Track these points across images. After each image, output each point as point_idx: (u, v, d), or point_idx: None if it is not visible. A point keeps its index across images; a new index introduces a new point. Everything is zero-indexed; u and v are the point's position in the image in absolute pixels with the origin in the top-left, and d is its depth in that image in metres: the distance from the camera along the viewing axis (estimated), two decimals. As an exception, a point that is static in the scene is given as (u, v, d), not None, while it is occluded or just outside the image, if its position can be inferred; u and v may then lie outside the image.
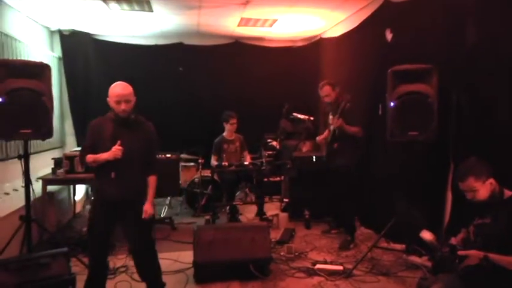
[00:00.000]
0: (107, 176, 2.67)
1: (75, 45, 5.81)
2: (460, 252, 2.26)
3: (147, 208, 2.75)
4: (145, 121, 2.86)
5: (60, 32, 5.75)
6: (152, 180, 2.83)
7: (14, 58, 4.33)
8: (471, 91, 3.08)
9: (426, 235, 2.68)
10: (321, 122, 6.19)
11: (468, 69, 3.09)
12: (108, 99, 2.69)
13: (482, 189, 2.28)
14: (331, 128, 4.01)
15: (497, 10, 2.83)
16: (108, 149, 2.61)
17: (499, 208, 2.25)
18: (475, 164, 2.33)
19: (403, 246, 3.63)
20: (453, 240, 2.47)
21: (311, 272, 3.43)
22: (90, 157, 2.67)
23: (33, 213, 3.55)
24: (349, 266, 3.49)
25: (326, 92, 4.03)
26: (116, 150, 2.59)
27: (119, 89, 2.68)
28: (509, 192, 2.27)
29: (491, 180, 2.26)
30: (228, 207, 4.78)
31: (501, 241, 2.16)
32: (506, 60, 2.76)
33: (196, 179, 5.14)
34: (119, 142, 2.60)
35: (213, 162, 4.92)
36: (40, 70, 3.18)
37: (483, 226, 2.32)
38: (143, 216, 2.72)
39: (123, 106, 2.65)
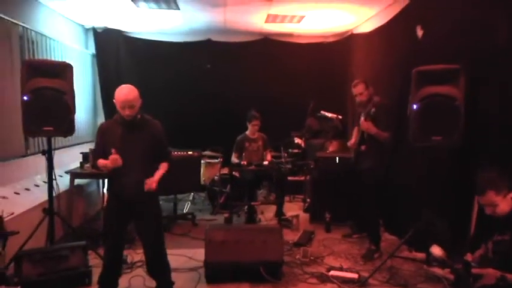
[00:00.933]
0: (118, 176, 2.74)
1: (108, 42, 6.00)
2: (475, 271, 2.11)
3: (150, 180, 2.74)
4: (152, 120, 2.91)
5: (94, 29, 5.96)
6: (163, 165, 2.90)
7: (48, 57, 4.55)
8: (501, 93, 2.84)
9: (436, 250, 2.52)
10: (350, 121, 6.04)
11: (499, 69, 2.85)
12: (114, 101, 2.74)
13: (503, 203, 2.11)
14: (361, 130, 3.86)
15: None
16: (119, 151, 2.66)
17: None
18: (496, 176, 2.16)
19: (425, 255, 3.44)
20: (469, 257, 2.31)
21: (324, 279, 3.34)
22: (100, 162, 2.74)
23: (59, 206, 3.73)
24: (366, 274, 3.36)
25: (359, 90, 3.84)
26: (114, 160, 2.63)
27: (123, 94, 2.71)
28: None
29: None
30: (246, 207, 4.76)
31: None
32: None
33: (216, 177, 5.17)
34: (113, 150, 2.64)
35: (234, 159, 4.92)
36: (62, 69, 3.31)
37: (502, 243, 2.16)
38: (145, 187, 2.73)
39: (127, 111, 2.70)
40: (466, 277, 2.16)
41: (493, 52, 2.92)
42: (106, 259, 2.95)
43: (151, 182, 2.76)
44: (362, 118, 3.82)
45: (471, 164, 3.14)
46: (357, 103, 3.96)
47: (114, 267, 2.97)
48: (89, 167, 4.45)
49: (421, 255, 3.54)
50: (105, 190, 5.46)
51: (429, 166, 3.38)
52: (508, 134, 2.76)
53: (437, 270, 3.30)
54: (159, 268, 2.93)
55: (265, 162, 4.69)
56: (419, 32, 3.98)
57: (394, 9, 4.52)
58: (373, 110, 3.65)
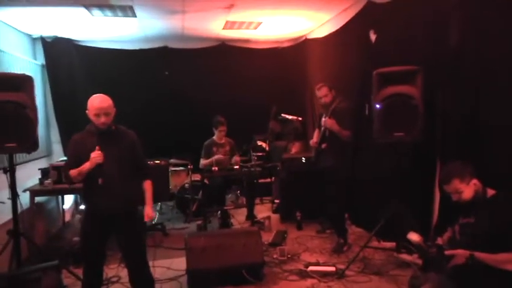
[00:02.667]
0: (96, 189, 2.63)
1: (58, 52, 5.72)
2: (447, 252, 2.30)
3: (148, 211, 2.80)
4: (126, 130, 2.84)
5: (42, 39, 5.65)
6: (148, 185, 2.87)
7: (-4, 68, 4.27)
8: (456, 91, 3.13)
9: (413, 237, 2.72)
10: (310, 122, 6.27)
11: (453, 69, 3.13)
12: (87, 111, 2.65)
13: (467, 190, 2.33)
14: (322, 129, 4.05)
15: (483, 6, 2.83)
16: (98, 168, 2.58)
17: (483, 207, 2.31)
18: (459, 166, 2.38)
19: (394, 244, 3.68)
20: (439, 240, 2.52)
21: (304, 274, 3.46)
22: (73, 171, 2.62)
23: (21, 225, 3.50)
24: (342, 267, 3.53)
25: (324, 92, 4.02)
26: (96, 156, 2.55)
27: (97, 102, 2.63)
28: (492, 192, 2.33)
29: (474, 180, 2.32)
30: (219, 212, 4.77)
31: (485, 239, 2.21)
32: (491, 59, 2.78)
33: (186, 185, 5.13)
34: (97, 147, 2.56)
35: (202, 162, 4.90)
36: (22, 82, 3.13)
37: (467, 225, 2.37)
38: (145, 219, 2.78)
39: (102, 119, 2.61)
40: (439, 260, 2.35)
41: (445, 54, 3.21)
42: (86, 276, 2.83)
43: (148, 212, 2.78)
44: (324, 118, 4.02)
45: (431, 156, 3.43)
46: (321, 105, 4.15)
47: (95, 282, 2.86)
48: (50, 183, 4.22)
49: (390, 244, 3.78)
50: (65, 207, 5.23)
51: (393, 161, 3.63)
52: (464, 127, 3.04)
53: (407, 257, 3.57)
54: (143, 281, 2.86)
55: (236, 167, 4.74)
56: (373, 36, 4.25)
57: (348, 14, 4.77)
58: (341, 104, 3.89)
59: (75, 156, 2.68)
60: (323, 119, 4.03)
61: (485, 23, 2.82)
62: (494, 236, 2.19)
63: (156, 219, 5.19)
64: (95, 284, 2.86)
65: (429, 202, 3.48)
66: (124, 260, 2.91)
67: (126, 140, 2.78)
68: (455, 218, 2.53)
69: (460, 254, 2.24)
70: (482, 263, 2.16)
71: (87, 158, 2.59)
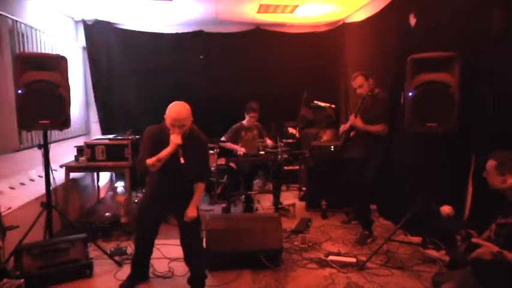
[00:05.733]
0: (159, 181, 2.87)
1: (98, 34, 5.91)
2: (475, 240, 2.16)
3: (190, 211, 2.87)
4: (199, 134, 2.93)
5: (84, 21, 5.87)
6: (200, 186, 2.98)
7: (38, 50, 4.48)
8: (495, 80, 2.89)
9: (445, 209, 2.57)
10: (343, 110, 6.09)
11: (493, 57, 2.90)
12: (165, 116, 2.74)
13: (496, 179, 2.19)
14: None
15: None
16: (169, 161, 2.69)
17: None
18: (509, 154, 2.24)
19: (420, 239, 3.52)
20: (473, 231, 2.35)
21: (323, 264, 3.40)
22: (151, 159, 2.70)
23: (56, 199, 3.71)
24: (364, 258, 3.43)
25: (359, 82, 3.84)
26: (175, 138, 2.66)
27: (174, 112, 2.70)
28: None
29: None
30: (244, 196, 4.79)
31: None
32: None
33: (212, 168, 5.18)
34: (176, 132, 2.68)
35: (226, 144, 4.89)
36: (57, 62, 3.26)
37: (505, 226, 2.21)
38: (185, 219, 2.87)
39: (176, 130, 2.69)
40: (465, 250, 2.21)
41: (487, 40, 2.96)
42: (138, 246, 3.08)
43: (189, 212, 2.86)
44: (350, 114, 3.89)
45: (465, 149, 3.22)
46: (357, 95, 3.98)
47: (147, 252, 3.13)
48: (84, 160, 4.42)
49: (416, 239, 3.63)
50: (100, 184, 5.48)
51: (424, 152, 3.44)
52: (503, 119, 2.82)
53: (433, 253, 3.41)
54: (197, 259, 2.98)
55: (262, 152, 4.71)
56: (412, 21, 4.01)
57: (387, -3, 4.54)
58: (366, 102, 3.76)
59: (150, 150, 2.75)
60: (351, 117, 3.90)
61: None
62: None
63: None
64: (147, 252, 3.11)
65: (461, 197, 3.27)
66: (181, 238, 3.02)
67: (198, 144, 2.88)
68: (489, 215, 2.37)
69: (488, 246, 2.09)
70: (510, 264, 2.01)
71: (160, 151, 2.69)
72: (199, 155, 2.87)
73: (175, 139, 2.66)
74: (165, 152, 2.67)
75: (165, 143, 2.69)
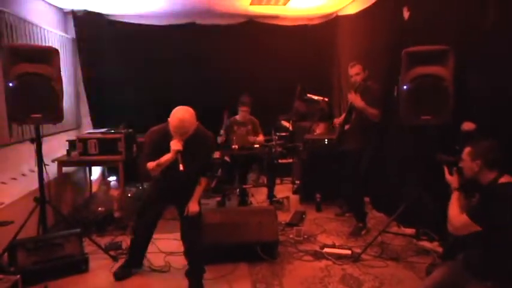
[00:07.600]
0: (164, 177, 2.87)
1: (89, 26, 5.79)
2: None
3: (191, 205, 2.89)
4: (205, 134, 2.90)
5: (73, 12, 5.74)
6: (203, 181, 2.98)
7: (27, 42, 4.37)
8: (488, 73, 2.93)
9: (467, 125, 2.60)
10: (336, 103, 6.10)
11: (486, 50, 2.93)
12: (169, 120, 2.70)
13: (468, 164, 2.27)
14: (348, 108, 3.95)
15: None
16: (170, 166, 2.68)
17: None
18: (488, 143, 2.27)
19: (414, 230, 3.57)
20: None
21: (319, 256, 3.44)
22: (151, 164, 2.69)
23: (49, 194, 3.66)
24: (358, 250, 3.47)
25: (356, 70, 3.87)
26: (174, 145, 2.64)
27: (176, 121, 2.64)
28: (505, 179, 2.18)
29: (478, 161, 2.21)
30: (238, 190, 4.79)
31: None
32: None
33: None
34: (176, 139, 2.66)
35: (220, 138, 4.88)
36: (48, 54, 3.20)
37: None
38: (185, 213, 2.89)
39: (177, 137, 2.66)
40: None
41: (480, 33, 2.99)
42: (137, 236, 3.13)
43: (190, 206, 2.89)
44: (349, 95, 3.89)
45: (458, 142, 3.25)
46: (351, 83, 4.00)
47: (145, 242, 3.17)
48: (76, 154, 4.36)
49: (410, 231, 3.68)
50: (92, 178, 5.42)
51: (417, 145, 3.48)
52: (495, 111, 2.86)
53: (427, 244, 3.47)
54: (195, 253, 2.99)
55: (256, 145, 4.71)
56: (406, 14, 4.03)
57: (381, -10, 4.54)
58: (364, 85, 3.77)
59: (154, 152, 2.74)
60: (349, 95, 3.89)
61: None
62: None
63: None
64: (144, 241, 3.14)
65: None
66: (181, 230, 3.05)
67: (203, 143, 2.87)
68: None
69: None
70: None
71: (163, 154, 2.68)
72: (203, 152, 2.88)
73: (174, 145, 2.64)
74: (165, 158, 2.67)
75: (168, 147, 2.67)
